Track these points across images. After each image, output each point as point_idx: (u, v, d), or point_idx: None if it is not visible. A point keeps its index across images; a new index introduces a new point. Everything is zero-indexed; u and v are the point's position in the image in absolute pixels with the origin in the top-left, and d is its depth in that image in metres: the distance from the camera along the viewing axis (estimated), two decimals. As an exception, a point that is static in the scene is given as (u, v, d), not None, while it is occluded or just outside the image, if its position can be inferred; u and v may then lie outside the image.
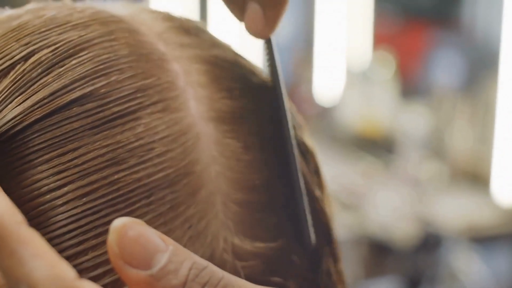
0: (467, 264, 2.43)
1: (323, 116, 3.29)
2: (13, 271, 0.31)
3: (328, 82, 3.36)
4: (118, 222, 0.33)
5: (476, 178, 2.74)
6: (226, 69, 0.45)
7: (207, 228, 0.40)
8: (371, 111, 3.05)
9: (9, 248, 0.31)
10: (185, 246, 0.39)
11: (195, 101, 0.42)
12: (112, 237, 0.33)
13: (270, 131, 0.44)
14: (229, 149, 0.42)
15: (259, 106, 0.45)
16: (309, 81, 3.45)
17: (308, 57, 3.47)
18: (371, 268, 2.49)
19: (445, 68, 3.01)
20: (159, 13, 0.46)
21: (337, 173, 2.71)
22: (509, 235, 2.60)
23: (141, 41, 0.42)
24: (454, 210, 2.56)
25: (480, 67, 2.87)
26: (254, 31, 0.43)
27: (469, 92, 2.85)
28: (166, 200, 0.39)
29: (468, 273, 2.42)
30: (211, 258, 0.40)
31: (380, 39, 3.31)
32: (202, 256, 0.39)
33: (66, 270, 0.31)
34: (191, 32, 0.45)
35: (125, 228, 0.33)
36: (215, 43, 0.46)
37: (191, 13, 3.96)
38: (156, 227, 0.38)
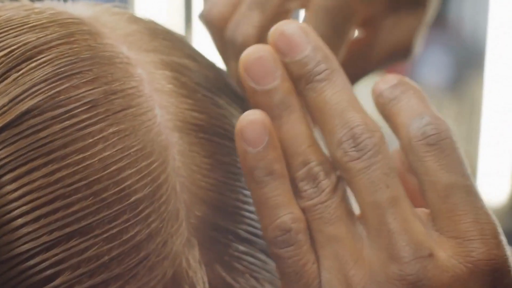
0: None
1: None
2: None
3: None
4: None
5: (462, 177, 2.71)
6: (194, 78, 0.43)
7: (169, 245, 0.39)
8: (357, 110, 3.03)
9: None
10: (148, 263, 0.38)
11: (160, 110, 0.40)
12: None
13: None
14: (194, 163, 0.40)
15: (229, 126, 0.43)
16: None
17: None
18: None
19: (431, 66, 2.99)
20: (124, 14, 0.44)
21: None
22: (496, 234, 2.58)
23: (103, 44, 0.40)
24: (440, 210, 2.52)
25: (467, 66, 2.86)
26: None
27: (456, 91, 2.83)
28: (142, 216, 0.38)
29: None
30: (173, 276, 0.38)
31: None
32: (165, 275, 0.38)
33: None
34: (158, 36, 0.43)
35: None
36: (184, 49, 0.44)
37: (176, 14, 3.94)
38: (126, 238, 0.37)
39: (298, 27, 0.41)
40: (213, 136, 0.41)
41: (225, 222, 0.41)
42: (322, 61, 0.41)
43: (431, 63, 2.99)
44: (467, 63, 2.87)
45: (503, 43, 2.59)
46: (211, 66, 0.45)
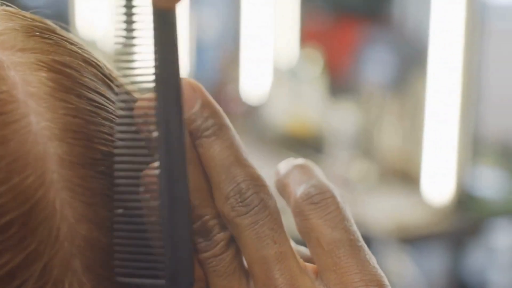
0: (398, 265, 2.41)
1: (250, 115, 3.25)
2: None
3: (255, 80, 3.32)
4: None
5: (406, 177, 2.73)
6: (77, 78, 0.38)
7: (49, 270, 0.35)
8: (299, 110, 3.03)
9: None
10: None
11: (36, 116, 0.36)
12: None
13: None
14: (76, 175, 0.36)
15: (112, 130, 0.39)
16: (236, 79, 3.41)
17: (234, 55, 3.43)
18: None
19: (375, 65, 2.99)
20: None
21: (264, 173, 2.65)
22: (440, 234, 2.60)
23: None
24: (384, 210, 2.53)
25: (410, 64, 2.86)
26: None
27: (398, 89, 2.84)
28: (15, 239, 0.34)
29: (399, 274, 2.40)
30: None
31: (309, 36, 3.28)
32: None
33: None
34: (36, 34, 0.39)
35: None
36: (65, 48, 0.39)
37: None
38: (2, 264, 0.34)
39: (186, 83, 0.40)
40: (94, 144, 0.37)
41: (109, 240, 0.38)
42: (209, 117, 0.40)
43: (375, 62, 2.99)
44: (411, 61, 2.87)
45: (445, 41, 2.59)
46: (99, 63, 0.41)
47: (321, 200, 0.40)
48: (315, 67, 3.03)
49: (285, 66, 3.18)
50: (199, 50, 3.54)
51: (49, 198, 0.35)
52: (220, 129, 0.40)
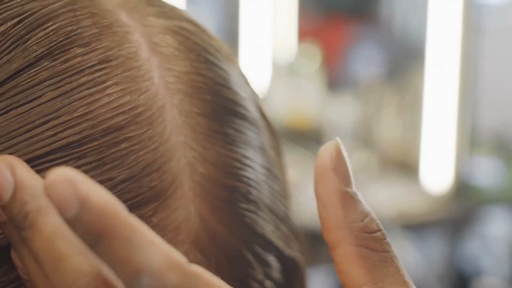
0: (400, 251, 2.45)
1: (251, 109, 3.24)
2: (130, 260, 0.28)
3: (254, 76, 3.35)
4: None
5: (405, 166, 2.77)
6: (195, 42, 0.42)
7: (176, 201, 0.39)
8: (299, 103, 3.05)
9: (122, 237, 0.28)
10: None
11: (159, 71, 0.40)
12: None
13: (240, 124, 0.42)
14: (194, 121, 0.40)
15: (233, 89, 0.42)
16: (235, 74, 3.41)
17: (233, 51, 3.44)
18: (305, 257, 2.48)
19: (366, 60, 3.04)
20: None
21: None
22: (439, 221, 2.65)
23: (103, 10, 0.40)
24: (385, 199, 2.57)
25: (405, 58, 2.91)
26: None
27: (397, 82, 2.88)
28: (137, 169, 0.38)
29: (401, 259, 2.43)
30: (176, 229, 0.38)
31: (304, 34, 3.32)
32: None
33: (178, 255, 0.29)
34: (154, 2, 0.43)
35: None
36: (180, 14, 0.44)
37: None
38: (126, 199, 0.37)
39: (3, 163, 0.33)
40: (210, 99, 0.41)
41: (229, 180, 0.40)
42: (24, 205, 0.32)
43: (366, 58, 3.04)
44: (405, 56, 2.92)
45: (442, 36, 2.65)
46: (208, 31, 0.44)
47: None
48: (312, 62, 3.07)
49: (283, 62, 3.21)
50: (197, 46, 3.55)
51: (171, 140, 0.38)
52: (37, 216, 0.32)
